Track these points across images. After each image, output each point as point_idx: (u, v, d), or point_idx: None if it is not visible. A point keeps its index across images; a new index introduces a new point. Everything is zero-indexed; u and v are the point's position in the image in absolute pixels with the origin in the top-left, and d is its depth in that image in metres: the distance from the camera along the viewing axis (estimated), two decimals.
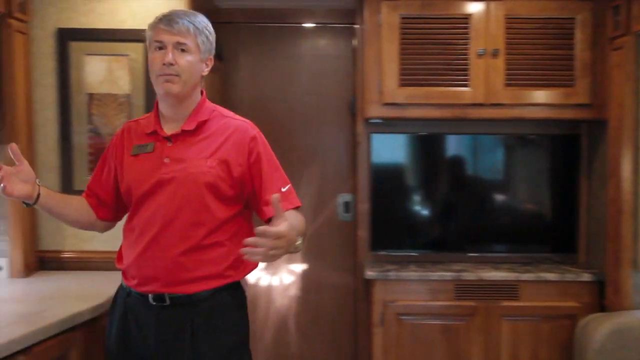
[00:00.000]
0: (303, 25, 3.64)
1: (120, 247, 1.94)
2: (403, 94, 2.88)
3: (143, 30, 2.57)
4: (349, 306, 3.67)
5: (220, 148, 1.82)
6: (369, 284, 2.98)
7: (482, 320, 2.84)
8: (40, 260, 2.70)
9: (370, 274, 2.87)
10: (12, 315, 2.02)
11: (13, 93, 2.49)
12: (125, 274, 1.88)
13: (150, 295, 1.79)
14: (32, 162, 2.62)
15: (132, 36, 2.62)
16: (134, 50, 2.65)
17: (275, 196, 1.56)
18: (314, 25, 3.64)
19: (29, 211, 2.59)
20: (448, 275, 2.85)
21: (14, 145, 1.71)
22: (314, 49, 3.68)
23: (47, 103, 2.67)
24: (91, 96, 2.68)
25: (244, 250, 1.52)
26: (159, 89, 1.78)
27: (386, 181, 3.14)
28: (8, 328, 1.88)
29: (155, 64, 1.74)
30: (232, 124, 1.88)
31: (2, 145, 2.48)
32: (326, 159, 3.63)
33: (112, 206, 1.97)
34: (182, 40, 1.73)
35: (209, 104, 1.90)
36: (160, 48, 1.74)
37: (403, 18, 2.86)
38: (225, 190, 1.80)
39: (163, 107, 1.85)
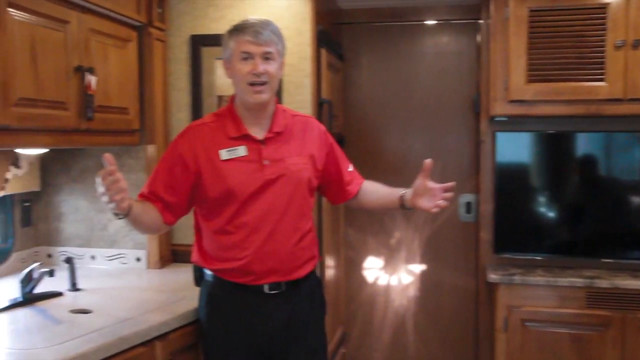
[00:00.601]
0: (425, 22, 3.60)
1: (201, 247, 1.99)
2: (531, 91, 2.76)
3: None
4: (469, 309, 3.59)
5: (305, 145, 1.99)
6: (491, 287, 2.89)
7: (617, 332, 2.65)
8: (173, 253, 2.88)
9: (493, 277, 2.79)
10: (151, 303, 2.17)
11: (152, 97, 2.68)
12: (227, 273, 1.93)
13: (266, 285, 1.91)
14: None
15: None
16: None
17: (428, 161, 1.93)
18: (436, 22, 3.59)
19: None
20: (579, 281, 2.69)
21: (108, 155, 1.65)
22: (436, 47, 3.62)
23: (181, 105, 2.84)
24: (220, 98, 2.80)
25: (440, 203, 1.91)
26: (249, 99, 1.87)
27: (511, 181, 3.02)
28: (147, 315, 2.03)
29: (244, 74, 1.85)
30: (305, 121, 2.05)
31: (144, 145, 2.69)
32: (447, 158, 3.55)
33: (179, 209, 1.94)
34: (268, 49, 1.85)
35: (279, 105, 2.01)
36: (246, 58, 1.84)
37: (532, 11, 2.73)
38: (313, 182, 2.00)
39: (245, 113, 1.93)
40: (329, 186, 2.12)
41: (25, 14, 1.94)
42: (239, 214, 1.88)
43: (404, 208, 2.03)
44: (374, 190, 2.13)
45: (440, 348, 3.70)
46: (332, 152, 2.09)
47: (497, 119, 2.98)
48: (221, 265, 1.93)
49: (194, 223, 2.03)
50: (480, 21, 3.27)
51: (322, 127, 2.10)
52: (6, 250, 2.61)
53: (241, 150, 1.89)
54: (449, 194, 1.94)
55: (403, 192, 2.02)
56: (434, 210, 1.94)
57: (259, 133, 1.92)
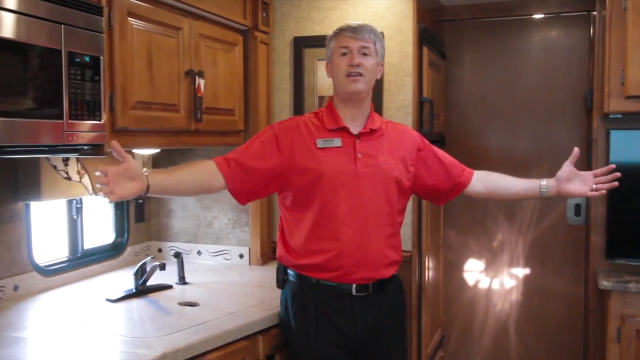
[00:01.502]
0: (533, 16, 3.46)
1: (285, 242, 2.00)
2: None
3: None
4: (577, 317, 3.44)
5: (397, 147, 2.02)
6: (603, 295, 2.73)
7: None
8: (274, 251, 2.93)
9: (605, 284, 2.62)
10: (253, 299, 2.24)
11: (257, 98, 2.76)
12: (313, 269, 1.93)
13: (353, 286, 1.92)
14: None
15: None
16: None
17: (576, 149, 2.02)
18: (544, 16, 3.44)
19: (267, 206, 2.85)
20: None
21: (114, 142, 1.66)
22: (544, 41, 3.48)
23: (283, 106, 2.91)
24: (321, 98, 2.84)
25: (600, 187, 2.00)
26: (346, 88, 1.95)
27: (626, 182, 2.77)
28: (250, 310, 2.10)
29: (342, 66, 1.94)
30: (396, 126, 2.11)
31: None
32: (556, 157, 3.34)
33: (252, 182, 1.93)
34: (365, 44, 1.94)
35: (373, 109, 2.07)
36: (345, 54, 1.94)
37: None
38: (404, 183, 2.02)
39: (343, 109, 2.00)
40: (438, 185, 2.11)
41: (143, 23, 2.07)
42: (330, 205, 1.90)
43: (542, 197, 2.09)
44: (497, 180, 2.14)
45: (545, 357, 3.55)
46: (430, 154, 2.10)
47: (611, 116, 2.80)
48: (308, 260, 1.94)
49: (280, 219, 2.06)
50: (594, 13, 3.09)
51: (415, 132, 2.15)
52: (122, 244, 2.79)
53: (336, 142, 1.95)
54: (610, 176, 2.00)
55: (541, 181, 2.07)
56: (592, 194, 2.01)
57: (354, 128, 1.98)
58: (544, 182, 2.06)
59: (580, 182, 2.02)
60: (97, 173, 1.63)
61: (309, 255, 1.94)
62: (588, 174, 2.03)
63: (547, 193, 2.06)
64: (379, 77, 2.03)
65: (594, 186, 2.01)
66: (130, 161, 1.67)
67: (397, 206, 2.01)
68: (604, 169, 2.03)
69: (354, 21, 2.03)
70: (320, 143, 1.94)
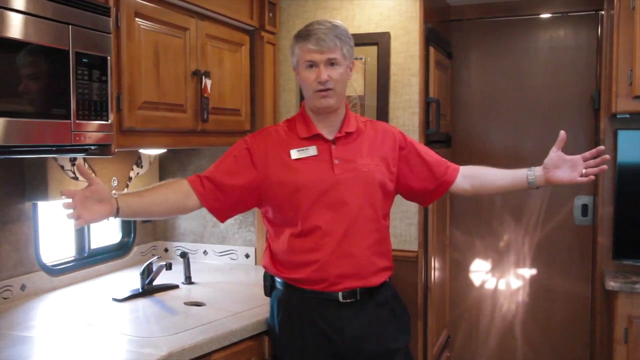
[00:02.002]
0: (540, 16, 3.46)
1: (271, 253, 1.95)
2: None
3: (378, 34, 2.68)
4: (584, 318, 3.42)
5: (377, 147, 1.96)
6: (610, 295, 2.72)
7: None
8: None
9: (612, 284, 2.61)
10: (259, 299, 2.22)
11: (263, 98, 2.75)
12: (299, 281, 1.88)
13: (340, 293, 1.86)
14: None
15: (367, 40, 2.70)
16: (369, 53, 2.73)
17: (563, 132, 1.92)
18: (551, 15, 3.44)
19: None
20: None
21: (80, 165, 1.65)
22: (551, 41, 3.47)
23: (289, 106, 2.90)
24: None
25: (591, 171, 1.89)
26: (316, 104, 1.88)
27: (634, 183, 2.81)
28: (255, 310, 2.11)
29: (310, 82, 1.86)
30: (375, 125, 2.04)
31: None
32: None
33: (229, 200, 1.89)
34: (331, 56, 1.84)
35: (351, 112, 2.01)
36: (311, 66, 1.86)
37: None
38: (388, 185, 1.95)
39: (316, 118, 1.94)
40: (422, 185, 2.03)
41: (150, 23, 2.08)
42: (311, 216, 1.85)
43: (531, 188, 1.99)
44: (483, 174, 2.06)
45: (551, 357, 3.54)
46: (412, 151, 2.02)
47: (619, 116, 2.79)
48: (292, 274, 1.89)
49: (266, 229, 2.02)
50: (602, 12, 3.08)
51: (396, 129, 2.07)
52: (128, 244, 2.80)
53: (312, 150, 1.90)
54: (599, 159, 1.90)
55: (528, 170, 1.98)
56: (582, 180, 1.90)
57: (329, 134, 1.93)
58: (530, 171, 1.97)
59: (569, 169, 1.91)
60: (63, 197, 1.61)
61: (293, 269, 1.89)
62: (577, 158, 1.91)
63: (535, 183, 1.96)
64: (350, 77, 1.96)
65: (584, 171, 1.91)
66: (98, 183, 1.66)
67: (382, 210, 1.94)
68: (593, 151, 1.92)
69: (318, 23, 1.88)
70: (294, 154, 1.89)
